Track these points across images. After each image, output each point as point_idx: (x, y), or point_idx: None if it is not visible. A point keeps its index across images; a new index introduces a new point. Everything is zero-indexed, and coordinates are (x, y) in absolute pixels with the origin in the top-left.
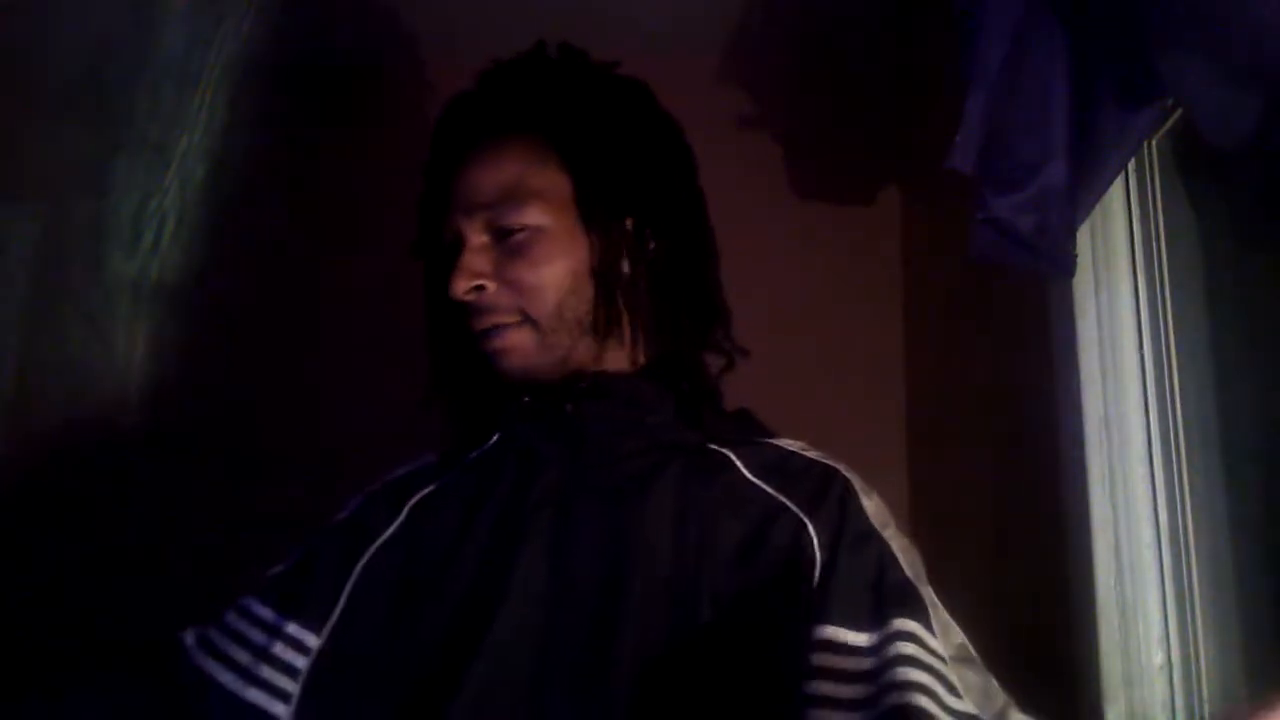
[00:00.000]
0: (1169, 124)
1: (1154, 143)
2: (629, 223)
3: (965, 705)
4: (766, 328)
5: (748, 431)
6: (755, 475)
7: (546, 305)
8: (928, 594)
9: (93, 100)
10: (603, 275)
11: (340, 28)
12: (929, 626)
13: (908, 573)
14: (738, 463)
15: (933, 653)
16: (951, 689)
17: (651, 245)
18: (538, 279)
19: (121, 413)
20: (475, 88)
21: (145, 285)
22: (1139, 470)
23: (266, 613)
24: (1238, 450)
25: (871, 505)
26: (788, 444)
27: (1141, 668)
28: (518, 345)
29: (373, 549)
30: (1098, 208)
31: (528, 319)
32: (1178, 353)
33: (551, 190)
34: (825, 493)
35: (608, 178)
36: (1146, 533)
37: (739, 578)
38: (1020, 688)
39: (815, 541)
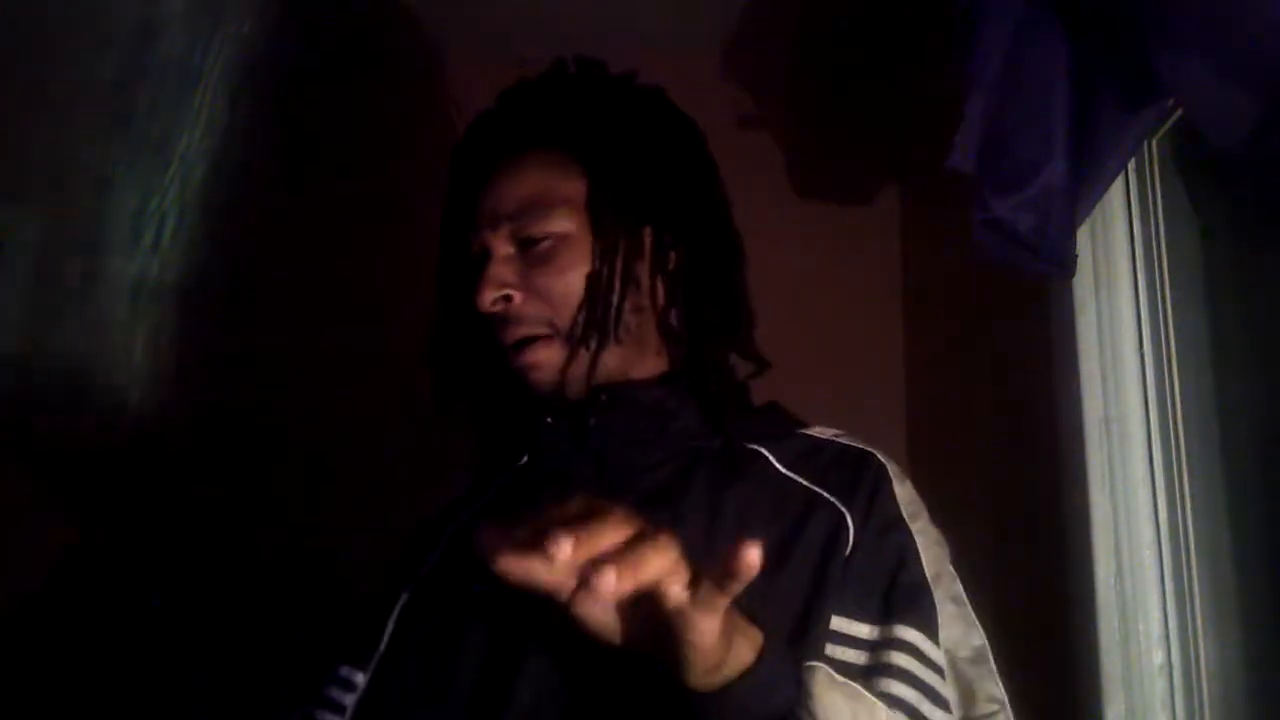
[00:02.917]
0: (1169, 124)
1: (1154, 143)
2: (648, 231)
3: (946, 719)
4: (766, 327)
5: (778, 425)
6: (788, 469)
7: (572, 312)
8: (946, 592)
9: (93, 100)
10: (611, 281)
11: (339, 28)
12: (933, 634)
13: (926, 571)
14: (770, 457)
15: (929, 665)
16: (939, 702)
17: (673, 254)
18: (565, 286)
19: (121, 413)
20: (496, 106)
21: (145, 285)
22: (1139, 470)
23: (342, 671)
24: (1238, 450)
25: (904, 493)
26: (821, 432)
27: (1141, 668)
28: (547, 360)
29: (415, 584)
30: (1098, 208)
31: (556, 330)
32: (1178, 353)
33: (574, 198)
34: (859, 479)
35: (623, 184)
36: (1146, 532)
37: (776, 579)
38: (1021, 687)
39: (851, 530)
